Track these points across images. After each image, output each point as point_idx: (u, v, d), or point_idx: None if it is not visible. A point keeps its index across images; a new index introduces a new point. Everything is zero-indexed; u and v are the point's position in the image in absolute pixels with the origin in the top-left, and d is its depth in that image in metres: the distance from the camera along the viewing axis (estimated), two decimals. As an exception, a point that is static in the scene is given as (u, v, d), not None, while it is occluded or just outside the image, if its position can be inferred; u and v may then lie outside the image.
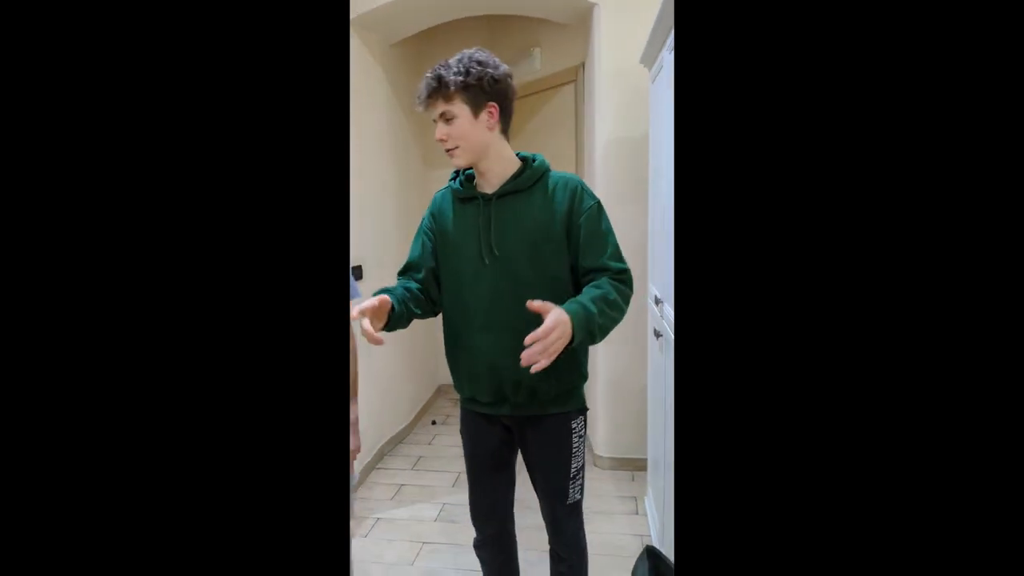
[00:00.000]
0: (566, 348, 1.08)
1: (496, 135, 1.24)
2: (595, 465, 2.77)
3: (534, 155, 1.31)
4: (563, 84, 2.98)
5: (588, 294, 1.17)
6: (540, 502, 1.42)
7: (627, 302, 1.22)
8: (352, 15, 2.46)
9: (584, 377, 1.36)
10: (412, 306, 1.29)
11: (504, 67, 1.23)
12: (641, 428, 2.52)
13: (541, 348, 1.03)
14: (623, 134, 2.50)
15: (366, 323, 1.09)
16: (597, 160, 2.56)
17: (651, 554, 1.47)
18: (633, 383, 2.61)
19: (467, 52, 1.22)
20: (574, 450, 1.35)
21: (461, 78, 1.17)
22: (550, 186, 1.26)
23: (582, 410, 1.36)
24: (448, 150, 1.23)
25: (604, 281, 1.21)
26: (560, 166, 2.79)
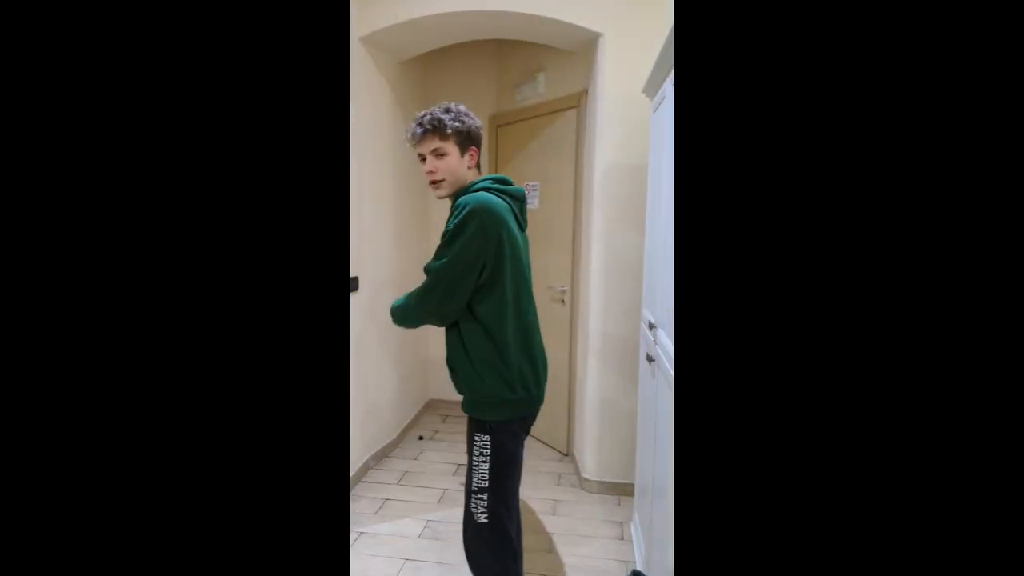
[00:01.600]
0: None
1: (473, 172, 1.51)
2: (582, 488, 2.78)
3: (479, 178, 1.50)
4: (566, 109, 3.01)
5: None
6: None
7: (413, 299, 1.48)
8: (363, 33, 2.57)
9: (488, 393, 1.42)
10: None
11: (478, 120, 1.52)
12: (629, 453, 2.57)
13: None
14: (623, 161, 2.54)
15: None
16: (596, 185, 2.60)
17: None
18: (622, 407, 2.63)
19: (450, 105, 1.48)
20: (475, 464, 1.44)
21: (457, 124, 1.44)
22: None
23: (483, 426, 1.43)
24: (435, 182, 1.47)
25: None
26: (559, 189, 3.01)
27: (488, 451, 1.43)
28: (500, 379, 1.43)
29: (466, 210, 1.36)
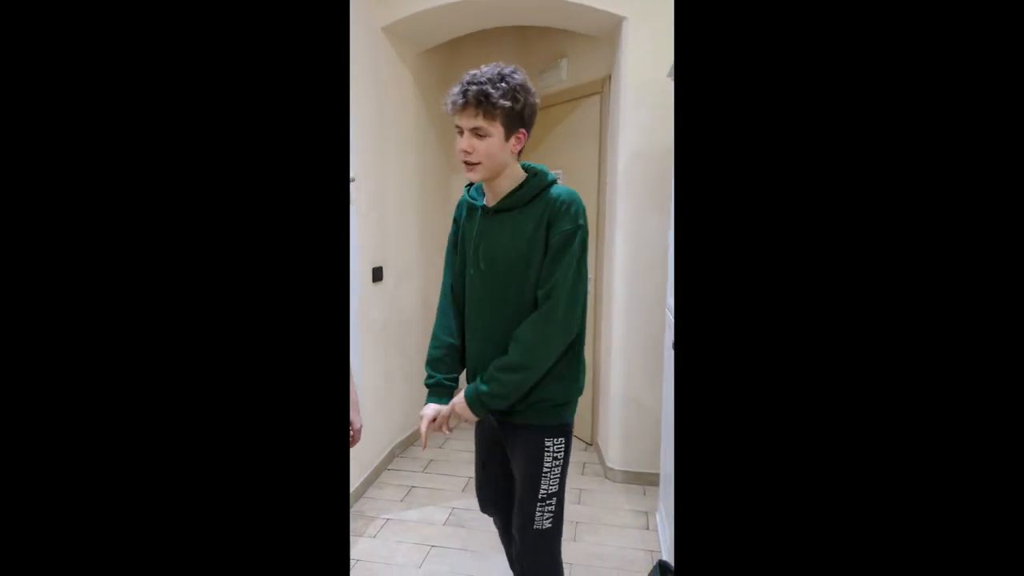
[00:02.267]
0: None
1: (514, 157, 1.27)
2: (607, 478, 2.78)
3: (538, 169, 1.31)
4: (589, 95, 2.96)
5: (493, 364, 1.29)
6: (512, 521, 1.41)
7: (540, 346, 1.24)
8: (383, 23, 2.57)
9: (569, 392, 1.33)
10: (455, 370, 1.43)
11: (537, 96, 1.25)
12: (654, 442, 2.54)
13: (436, 427, 1.34)
14: (647, 147, 2.49)
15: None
16: (620, 172, 2.56)
17: (664, 569, 1.47)
18: (647, 397, 2.60)
19: (508, 71, 1.20)
20: (546, 471, 1.31)
21: (508, 103, 1.17)
22: (545, 203, 1.26)
23: (560, 429, 1.32)
24: (469, 163, 1.23)
25: (519, 332, 1.26)
26: (583, 177, 2.96)
27: (562, 454, 1.34)
28: (577, 379, 1.35)
29: (575, 210, 1.25)
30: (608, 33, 2.72)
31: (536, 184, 1.28)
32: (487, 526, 2.34)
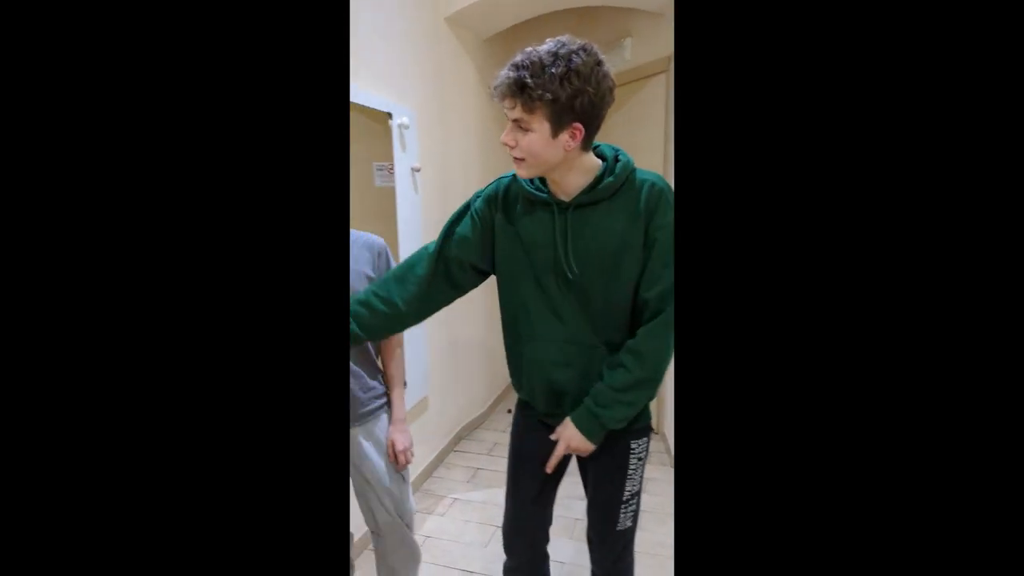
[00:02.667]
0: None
1: (575, 152, 1.04)
2: (672, 467, 2.73)
3: (616, 153, 1.12)
4: (654, 75, 2.87)
5: (604, 381, 1.14)
6: (588, 523, 1.34)
7: (664, 355, 1.11)
8: (447, 13, 2.60)
9: (656, 392, 1.23)
10: (378, 337, 1.27)
11: (607, 80, 1.00)
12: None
13: (554, 463, 1.22)
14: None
15: None
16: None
17: None
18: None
19: (567, 50, 0.96)
20: (631, 472, 1.24)
21: (550, 95, 0.94)
22: (634, 192, 1.08)
23: (645, 430, 1.26)
24: (515, 158, 1.05)
25: (638, 344, 1.12)
26: (649, 159, 2.85)
27: (645, 453, 1.27)
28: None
29: (672, 198, 1.08)
30: (673, 8, 2.62)
31: (622, 172, 1.08)
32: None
